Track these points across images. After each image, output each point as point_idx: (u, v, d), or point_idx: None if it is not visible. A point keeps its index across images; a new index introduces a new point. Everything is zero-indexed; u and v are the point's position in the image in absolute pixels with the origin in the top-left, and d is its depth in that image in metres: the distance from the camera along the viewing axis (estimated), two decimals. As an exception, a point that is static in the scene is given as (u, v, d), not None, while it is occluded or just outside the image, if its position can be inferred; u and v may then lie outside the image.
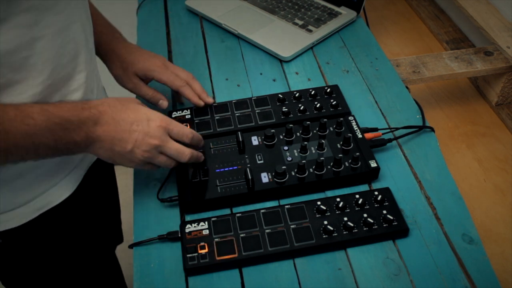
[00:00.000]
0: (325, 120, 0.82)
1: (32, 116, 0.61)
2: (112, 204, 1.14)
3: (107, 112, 0.67)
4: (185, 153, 0.72)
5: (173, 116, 0.87)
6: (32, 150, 0.62)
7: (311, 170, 0.76)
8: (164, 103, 0.86)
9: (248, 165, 0.78)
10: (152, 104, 0.87)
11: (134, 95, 0.88)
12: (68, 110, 0.64)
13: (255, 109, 0.88)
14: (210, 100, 0.88)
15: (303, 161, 0.76)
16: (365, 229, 0.70)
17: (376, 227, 0.70)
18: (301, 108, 0.87)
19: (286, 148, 0.80)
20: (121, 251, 1.22)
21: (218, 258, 0.67)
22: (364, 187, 0.78)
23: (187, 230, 0.71)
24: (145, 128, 0.68)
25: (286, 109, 0.86)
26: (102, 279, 1.11)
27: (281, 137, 0.82)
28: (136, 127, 0.67)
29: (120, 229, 1.24)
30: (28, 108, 0.62)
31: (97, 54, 0.88)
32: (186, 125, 0.85)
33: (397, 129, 0.86)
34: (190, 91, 0.86)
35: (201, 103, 0.87)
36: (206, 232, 0.70)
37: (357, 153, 0.76)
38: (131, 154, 0.68)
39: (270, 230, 0.70)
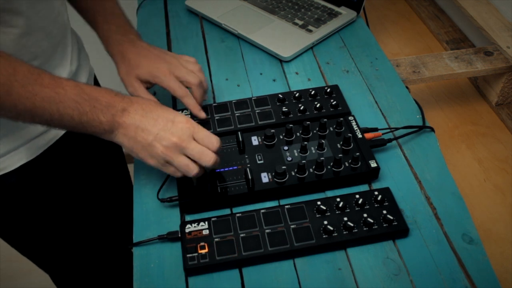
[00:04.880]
0: (325, 120, 0.82)
1: (64, 87, 0.66)
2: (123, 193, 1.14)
3: (139, 102, 0.70)
4: (209, 155, 0.70)
5: (173, 116, 0.87)
6: (56, 117, 0.66)
7: (311, 170, 0.76)
8: None
9: (248, 165, 0.78)
10: None
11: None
12: (100, 92, 0.68)
13: (255, 109, 0.88)
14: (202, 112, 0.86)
15: (303, 161, 0.76)
16: (365, 229, 0.70)
17: (376, 227, 0.70)
18: (301, 108, 0.87)
19: (286, 148, 0.80)
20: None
21: (218, 258, 0.67)
22: (364, 187, 0.78)
23: (187, 230, 0.71)
24: (168, 124, 0.69)
25: (286, 109, 0.86)
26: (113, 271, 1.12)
27: (281, 137, 0.82)
28: (161, 121, 0.69)
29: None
30: (64, 80, 0.67)
31: (107, 51, 0.87)
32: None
33: (397, 129, 0.86)
34: (191, 101, 0.84)
35: (202, 115, 0.85)
36: (206, 232, 0.70)
37: (357, 153, 0.76)
38: (151, 147, 0.69)
39: (270, 230, 0.70)
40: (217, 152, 0.72)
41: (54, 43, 0.79)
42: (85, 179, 0.95)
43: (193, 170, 0.70)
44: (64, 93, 0.65)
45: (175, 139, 0.68)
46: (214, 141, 0.71)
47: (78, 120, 0.67)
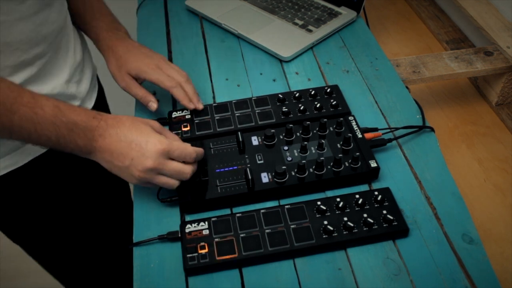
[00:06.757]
0: (325, 120, 0.82)
1: (43, 108, 0.65)
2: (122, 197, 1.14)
3: (114, 126, 0.69)
4: (186, 171, 0.72)
5: (173, 116, 0.87)
6: (34, 136, 0.66)
7: (311, 170, 0.76)
8: (153, 105, 0.85)
9: (248, 165, 0.78)
10: (144, 105, 0.87)
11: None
12: (78, 114, 0.68)
13: (255, 109, 0.88)
14: (200, 106, 0.87)
15: (303, 161, 0.76)
16: (365, 229, 0.70)
17: (376, 227, 0.70)
18: (301, 108, 0.87)
19: (286, 148, 0.80)
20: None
21: (218, 258, 0.67)
22: (364, 187, 0.78)
23: (187, 230, 0.71)
24: (142, 149, 0.68)
25: (286, 109, 0.86)
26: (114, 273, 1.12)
27: (281, 137, 0.82)
28: (134, 146, 0.68)
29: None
30: (44, 100, 0.66)
31: (97, 49, 0.89)
32: (186, 125, 0.85)
33: (397, 129, 0.86)
34: (181, 92, 0.85)
35: (191, 106, 0.86)
36: (206, 232, 0.70)
37: (357, 153, 0.76)
38: (128, 171, 0.69)
39: (270, 230, 0.70)
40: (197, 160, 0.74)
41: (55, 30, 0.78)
42: (82, 182, 0.95)
43: (173, 185, 0.72)
44: (43, 114, 0.65)
45: (150, 164, 0.68)
46: (190, 153, 0.72)
47: (56, 142, 0.67)
